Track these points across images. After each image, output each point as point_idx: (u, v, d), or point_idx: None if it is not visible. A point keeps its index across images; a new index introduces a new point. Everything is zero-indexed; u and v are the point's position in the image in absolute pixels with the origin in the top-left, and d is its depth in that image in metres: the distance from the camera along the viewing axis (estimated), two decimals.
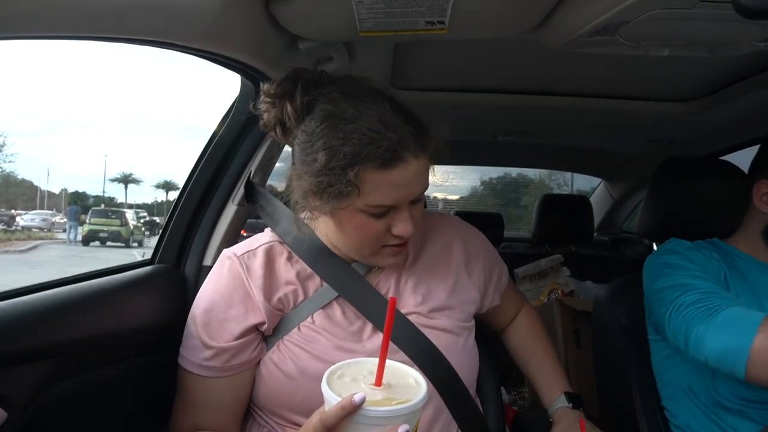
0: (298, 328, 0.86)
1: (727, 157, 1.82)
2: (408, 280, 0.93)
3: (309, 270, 0.90)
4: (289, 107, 0.83)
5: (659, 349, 1.12)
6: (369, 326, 0.88)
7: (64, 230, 22.16)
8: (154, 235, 20.31)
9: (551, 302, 1.87)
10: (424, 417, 0.85)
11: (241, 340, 0.84)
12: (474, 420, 0.90)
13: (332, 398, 0.61)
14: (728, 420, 1.01)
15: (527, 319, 1.13)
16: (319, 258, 0.90)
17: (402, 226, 0.81)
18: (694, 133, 1.77)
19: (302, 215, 0.92)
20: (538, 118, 1.75)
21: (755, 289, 1.03)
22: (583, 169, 2.95)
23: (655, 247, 2.22)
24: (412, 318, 0.89)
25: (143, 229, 22.28)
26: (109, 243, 19.07)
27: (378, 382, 0.63)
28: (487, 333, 1.10)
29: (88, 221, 19.70)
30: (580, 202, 2.53)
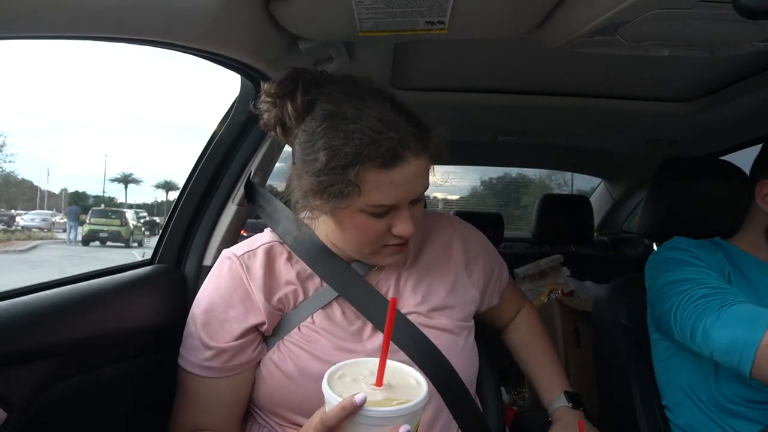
0: (298, 329, 0.86)
1: (727, 157, 1.82)
2: (408, 280, 0.93)
3: (309, 270, 0.90)
4: (289, 107, 0.83)
5: (661, 349, 1.12)
6: (369, 326, 0.88)
7: (64, 230, 22.17)
8: (154, 235, 20.34)
9: (551, 302, 1.87)
10: (425, 417, 0.85)
11: (241, 341, 0.84)
12: (474, 420, 0.90)
13: (333, 399, 0.61)
14: (729, 420, 1.01)
15: (528, 318, 1.13)
16: (319, 258, 0.90)
17: (402, 226, 0.81)
18: (694, 133, 1.77)
19: (302, 215, 0.92)
20: (538, 118, 1.75)
21: (757, 289, 1.03)
22: (583, 169, 2.95)
23: (655, 247, 2.22)
24: (412, 318, 0.89)
25: (143, 229, 22.29)
26: (109, 243, 19.08)
27: (379, 383, 0.63)
28: (488, 332, 1.10)
29: (88, 221, 19.71)
30: (580, 202, 2.53)
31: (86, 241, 19.09)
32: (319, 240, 0.91)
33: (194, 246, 1.17)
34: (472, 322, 0.98)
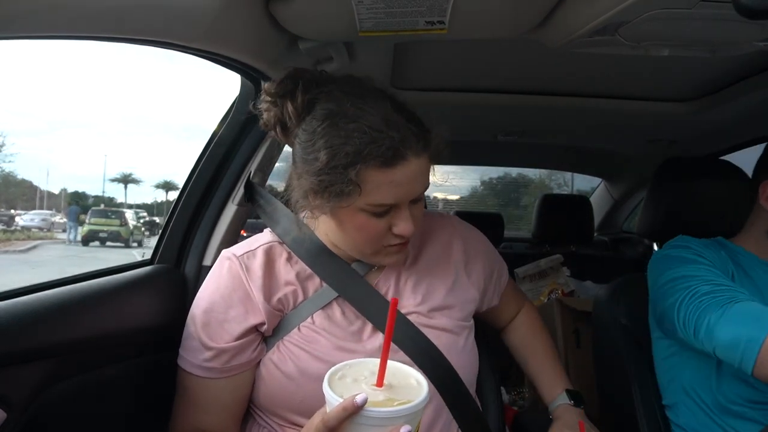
0: (298, 329, 0.86)
1: (727, 157, 1.83)
2: (408, 280, 0.93)
3: (309, 270, 0.90)
4: (290, 106, 0.83)
5: (662, 348, 1.12)
6: (369, 326, 0.88)
7: (64, 230, 22.17)
8: (154, 235, 20.32)
9: (551, 302, 1.87)
10: (425, 417, 0.85)
11: (241, 341, 0.84)
12: (474, 419, 0.90)
13: (334, 399, 0.61)
14: (730, 421, 1.01)
15: (528, 317, 1.13)
16: (319, 258, 0.90)
17: (403, 225, 0.81)
18: (694, 133, 1.77)
19: (302, 215, 0.92)
20: (538, 118, 1.75)
21: (761, 288, 1.03)
22: (583, 169, 2.95)
23: (655, 247, 2.23)
24: (411, 318, 0.89)
25: (143, 229, 22.29)
26: (108, 243, 19.07)
27: (379, 383, 0.63)
28: (488, 332, 1.10)
29: (87, 221, 19.70)
30: (580, 202, 2.53)
31: (86, 241, 19.08)
32: (319, 240, 0.91)
33: (194, 246, 1.17)
34: (472, 321, 0.98)
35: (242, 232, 1.26)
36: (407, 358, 0.84)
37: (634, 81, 1.36)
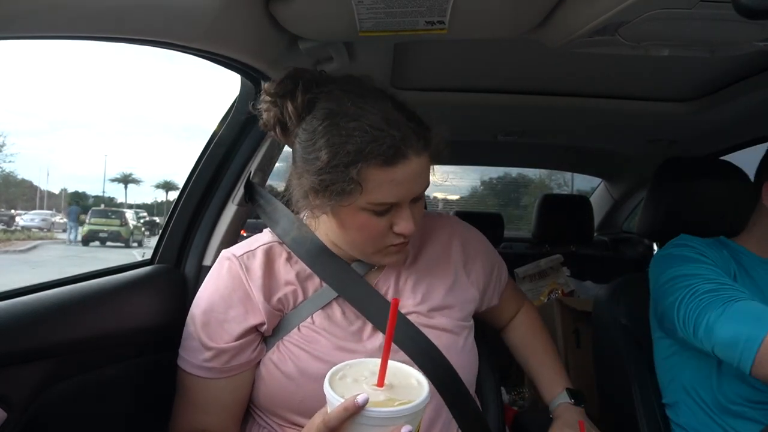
0: (298, 329, 0.86)
1: (727, 157, 1.83)
2: (407, 280, 0.93)
3: (308, 270, 0.90)
4: (290, 106, 0.83)
5: (663, 347, 1.12)
6: (369, 326, 0.88)
7: (64, 230, 22.17)
8: (154, 235, 20.33)
9: (551, 302, 1.87)
10: (425, 416, 0.84)
11: (241, 341, 0.84)
12: (474, 419, 0.90)
13: (335, 399, 0.61)
14: (730, 421, 1.01)
15: (527, 317, 1.13)
16: (319, 258, 0.90)
17: (404, 224, 0.81)
18: (694, 133, 1.77)
19: (302, 215, 0.92)
20: (538, 118, 1.75)
21: (762, 288, 1.03)
22: (583, 169, 2.95)
23: (655, 247, 2.23)
24: (411, 317, 0.89)
25: (143, 229, 22.29)
26: (108, 243, 19.09)
27: (380, 383, 0.63)
28: (488, 332, 1.10)
29: (87, 221, 19.71)
30: (580, 202, 2.53)
31: (86, 241, 19.09)
32: (319, 240, 0.91)
33: (194, 246, 1.17)
34: (472, 321, 0.98)
35: (242, 232, 1.26)
36: (407, 358, 0.84)
37: (634, 81, 1.36)
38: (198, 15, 0.77)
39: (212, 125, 1.19)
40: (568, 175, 7.23)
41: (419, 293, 0.91)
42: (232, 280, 0.87)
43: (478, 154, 2.73)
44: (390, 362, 0.64)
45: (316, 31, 0.96)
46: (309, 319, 0.87)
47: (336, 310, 0.88)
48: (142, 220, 24.20)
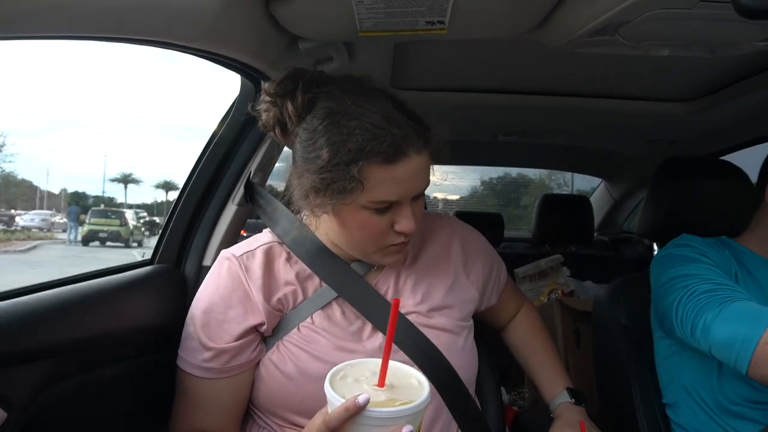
0: (298, 329, 0.86)
1: (727, 157, 1.83)
2: (407, 280, 0.93)
3: (308, 270, 0.90)
4: (290, 106, 0.83)
5: (663, 347, 1.12)
6: (369, 326, 0.88)
7: (64, 230, 22.17)
8: (154, 235, 20.33)
9: (551, 302, 1.87)
10: (425, 417, 0.84)
11: (241, 341, 0.84)
12: (473, 419, 0.90)
13: (336, 399, 0.61)
14: (730, 421, 1.01)
15: (527, 317, 1.13)
16: (318, 258, 0.90)
17: (405, 222, 0.81)
18: (694, 133, 1.77)
19: (302, 215, 0.91)
20: (538, 118, 1.75)
21: (764, 288, 1.03)
22: (583, 169, 2.95)
23: (655, 247, 2.23)
24: (411, 317, 0.89)
25: (143, 229, 22.30)
26: (108, 243, 19.09)
27: (381, 383, 0.63)
28: (488, 332, 1.10)
29: (87, 221, 19.71)
30: (580, 202, 2.53)
31: (86, 241, 19.09)
32: (319, 240, 0.91)
33: (194, 246, 1.17)
34: (472, 321, 0.98)
35: (242, 232, 1.26)
36: (407, 358, 0.84)
37: (634, 81, 1.37)
38: (198, 15, 0.77)
39: (212, 125, 1.19)
40: (568, 175, 7.24)
41: (419, 293, 0.91)
42: (231, 280, 0.87)
43: (478, 154, 2.73)
44: (390, 362, 0.64)
45: (316, 31, 0.96)
46: (309, 319, 0.87)
47: (336, 310, 0.88)
48: (142, 220, 24.20)
